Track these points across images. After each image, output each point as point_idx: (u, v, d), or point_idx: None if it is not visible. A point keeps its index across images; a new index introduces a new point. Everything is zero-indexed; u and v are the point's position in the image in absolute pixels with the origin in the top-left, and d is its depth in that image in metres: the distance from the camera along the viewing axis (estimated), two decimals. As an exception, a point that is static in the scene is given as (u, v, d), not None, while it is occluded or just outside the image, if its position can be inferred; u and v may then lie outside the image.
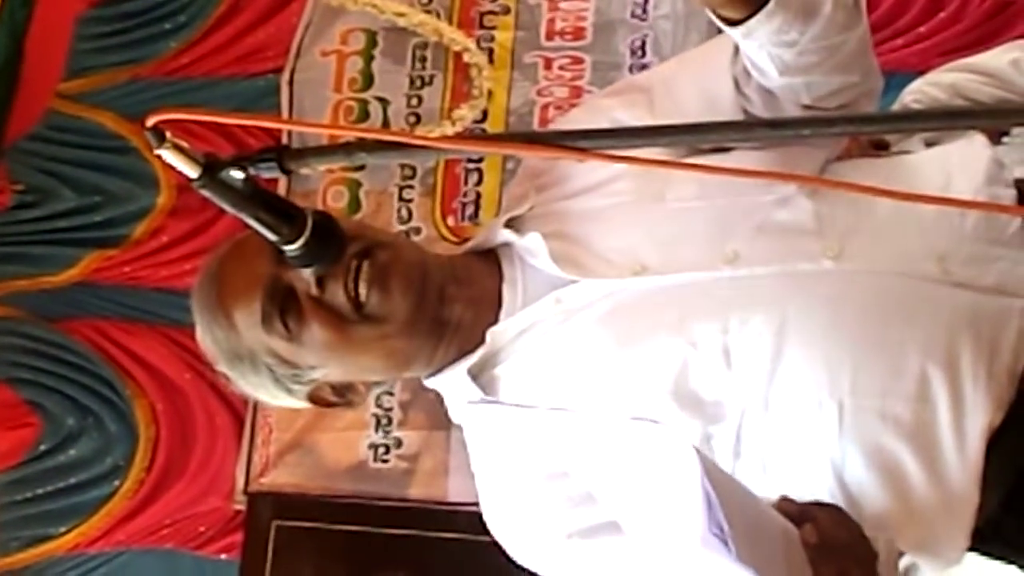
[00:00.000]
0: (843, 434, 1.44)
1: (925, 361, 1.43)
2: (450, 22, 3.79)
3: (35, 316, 3.90)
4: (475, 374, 1.56)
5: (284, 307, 1.49)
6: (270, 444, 3.65)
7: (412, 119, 3.77)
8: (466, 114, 3.72)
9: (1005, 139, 1.71)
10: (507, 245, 1.59)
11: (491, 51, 3.75)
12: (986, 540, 1.49)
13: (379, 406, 3.56)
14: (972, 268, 1.47)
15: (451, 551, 3.36)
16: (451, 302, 1.54)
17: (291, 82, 3.88)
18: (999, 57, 1.90)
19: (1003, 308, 1.46)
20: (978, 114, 1.51)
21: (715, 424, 1.46)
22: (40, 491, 3.78)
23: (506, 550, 1.58)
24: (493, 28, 3.76)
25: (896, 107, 1.96)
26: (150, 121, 1.12)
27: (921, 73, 3.06)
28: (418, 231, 3.66)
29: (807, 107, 1.52)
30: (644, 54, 3.61)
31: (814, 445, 1.45)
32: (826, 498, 1.46)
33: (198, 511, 3.70)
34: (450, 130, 3.70)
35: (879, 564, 1.41)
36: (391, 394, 3.53)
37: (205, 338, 1.57)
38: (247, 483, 3.66)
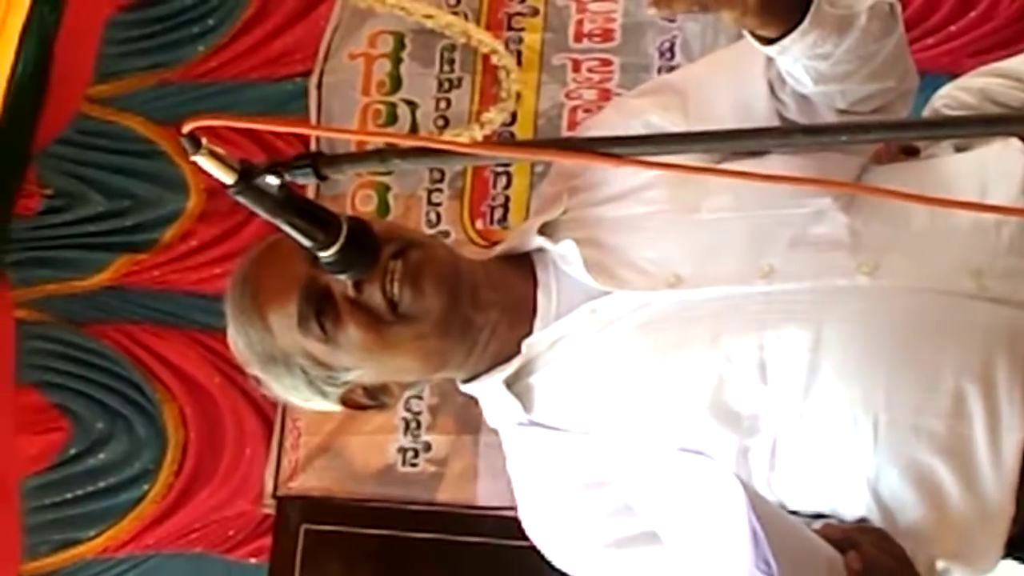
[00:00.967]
0: (878, 449, 1.44)
1: (960, 377, 1.43)
2: (478, 24, 3.78)
3: (64, 320, 3.90)
4: (510, 383, 1.56)
5: (320, 309, 1.49)
6: (299, 448, 3.64)
7: (440, 122, 3.77)
8: (494, 117, 3.71)
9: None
10: (541, 250, 1.59)
11: (519, 53, 3.74)
12: (1019, 547, 1.48)
13: (408, 410, 3.56)
14: (1008, 283, 1.46)
15: (479, 555, 3.36)
16: (486, 307, 1.55)
17: (319, 85, 3.88)
18: None
19: None
20: (1014, 120, 1.49)
21: (751, 437, 1.46)
22: (69, 495, 3.79)
23: (544, 554, 1.58)
24: (521, 30, 3.75)
25: (926, 111, 1.95)
26: (186, 128, 1.12)
27: (952, 73, 3.05)
28: (447, 235, 3.65)
29: (842, 111, 1.52)
30: (673, 56, 3.60)
31: (849, 459, 1.45)
32: (861, 510, 1.45)
33: (227, 515, 3.70)
34: (478, 133, 3.70)
35: None
36: (420, 398, 3.53)
37: (238, 340, 1.57)
38: (276, 487, 3.66)
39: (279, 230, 1.25)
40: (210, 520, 3.71)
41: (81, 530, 3.77)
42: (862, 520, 1.47)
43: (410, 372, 1.57)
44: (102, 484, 3.78)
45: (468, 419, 3.41)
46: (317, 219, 1.26)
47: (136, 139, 3.97)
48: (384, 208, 3.73)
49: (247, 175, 1.16)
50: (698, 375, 1.47)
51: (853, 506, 1.46)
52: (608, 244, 1.55)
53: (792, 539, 1.31)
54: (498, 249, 1.66)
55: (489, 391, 1.59)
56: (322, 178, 1.18)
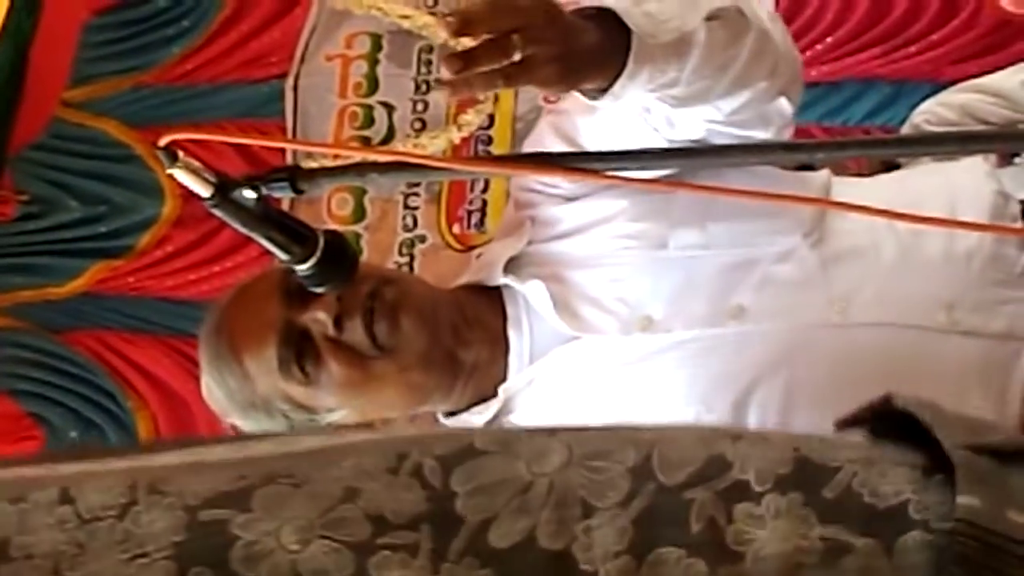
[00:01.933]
0: None
1: None
2: (456, 26, 3.76)
3: (39, 327, 3.88)
4: (489, 424, 1.57)
5: (300, 351, 1.47)
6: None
7: (418, 125, 3.75)
8: (472, 120, 3.70)
9: (1017, 160, 1.70)
10: (509, 285, 1.58)
11: (497, 56, 3.72)
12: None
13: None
14: (980, 315, 1.45)
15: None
16: (466, 345, 1.55)
17: (296, 88, 3.85)
18: (1010, 78, 1.89)
19: (1012, 353, 1.45)
20: (991, 137, 1.49)
21: None
22: (44, 506, 3.76)
23: None
24: (499, 32, 3.73)
25: (907, 127, 1.96)
26: (163, 141, 1.11)
27: (934, 80, 3.06)
28: (423, 239, 3.65)
29: (725, 124, 1.45)
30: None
31: None
32: None
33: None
34: (456, 136, 3.68)
35: None
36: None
37: (215, 390, 1.55)
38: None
39: (256, 244, 1.25)
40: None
41: (53, 543, 3.73)
42: None
43: (393, 407, 1.56)
44: (75, 495, 3.74)
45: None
46: (294, 233, 1.25)
47: (112, 143, 3.94)
48: (360, 212, 3.72)
49: (223, 188, 1.16)
50: (677, 419, 1.47)
51: None
52: (575, 283, 1.54)
53: None
54: (465, 279, 1.65)
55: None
56: (299, 192, 1.19)
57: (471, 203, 3.65)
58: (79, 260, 3.90)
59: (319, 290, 1.39)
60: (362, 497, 0.69)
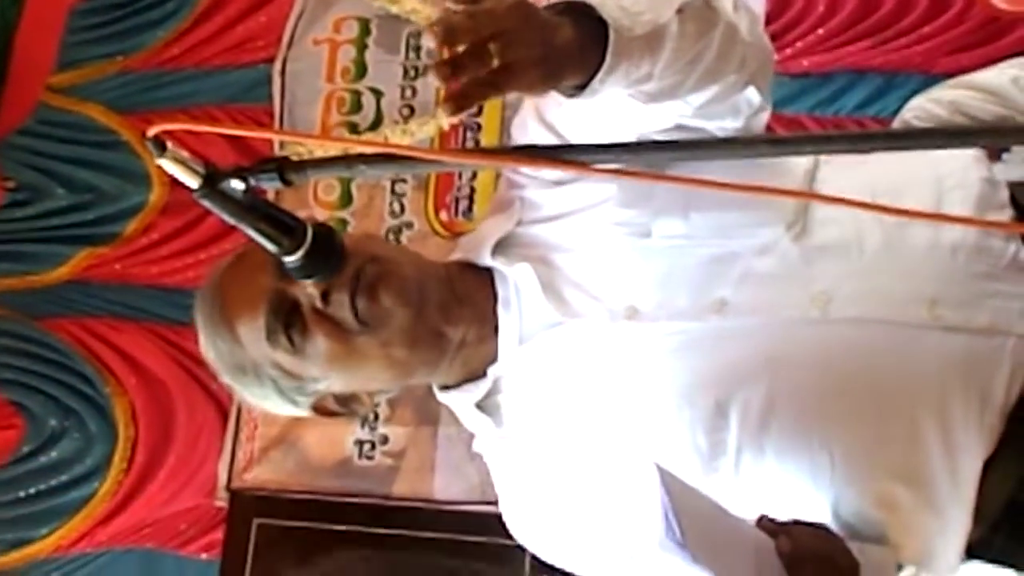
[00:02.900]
0: (835, 478, 1.46)
1: (915, 409, 1.44)
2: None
3: (23, 315, 3.87)
4: (480, 403, 1.59)
5: (288, 321, 1.50)
6: (255, 440, 3.62)
7: (406, 111, 3.74)
8: (462, 107, 3.67)
9: (1005, 156, 1.70)
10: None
11: (486, 41, 3.70)
12: (979, 551, 1.50)
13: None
14: (964, 311, 1.45)
15: (435, 551, 3.34)
16: (454, 322, 1.56)
17: (283, 72, 3.84)
18: (1000, 75, 1.89)
19: (995, 348, 1.44)
20: (979, 133, 1.49)
21: (714, 461, 1.48)
22: (22, 494, 3.75)
23: (530, 551, 1.62)
24: (488, 17, 3.71)
25: (897, 123, 1.96)
26: (151, 132, 1.11)
27: (926, 72, 3.07)
28: (410, 225, 3.64)
29: (696, 117, 1.46)
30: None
31: (809, 485, 1.47)
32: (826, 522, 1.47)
33: (179, 508, 3.67)
34: (445, 123, 3.67)
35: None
36: (379, 390, 3.50)
37: (209, 351, 1.59)
38: (230, 479, 3.63)
39: (243, 234, 1.24)
40: (162, 514, 3.67)
41: (33, 529, 3.73)
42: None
43: (377, 381, 1.58)
44: (54, 482, 3.74)
45: (427, 410, 3.40)
46: (282, 224, 1.25)
47: (98, 129, 3.93)
48: (347, 198, 3.71)
49: (212, 179, 1.15)
50: (659, 412, 1.49)
51: (817, 519, 1.47)
52: (562, 267, 1.56)
53: (713, 520, 1.34)
54: (457, 254, 1.66)
55: (461, 407, 1.62)
56: (287, 183, 1.18)
57: (459, 190, 3.63)
58: (65, 247, 3.90)
59: (307, 281, 1.39)
60: None
